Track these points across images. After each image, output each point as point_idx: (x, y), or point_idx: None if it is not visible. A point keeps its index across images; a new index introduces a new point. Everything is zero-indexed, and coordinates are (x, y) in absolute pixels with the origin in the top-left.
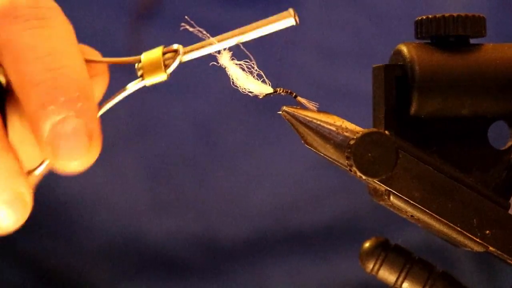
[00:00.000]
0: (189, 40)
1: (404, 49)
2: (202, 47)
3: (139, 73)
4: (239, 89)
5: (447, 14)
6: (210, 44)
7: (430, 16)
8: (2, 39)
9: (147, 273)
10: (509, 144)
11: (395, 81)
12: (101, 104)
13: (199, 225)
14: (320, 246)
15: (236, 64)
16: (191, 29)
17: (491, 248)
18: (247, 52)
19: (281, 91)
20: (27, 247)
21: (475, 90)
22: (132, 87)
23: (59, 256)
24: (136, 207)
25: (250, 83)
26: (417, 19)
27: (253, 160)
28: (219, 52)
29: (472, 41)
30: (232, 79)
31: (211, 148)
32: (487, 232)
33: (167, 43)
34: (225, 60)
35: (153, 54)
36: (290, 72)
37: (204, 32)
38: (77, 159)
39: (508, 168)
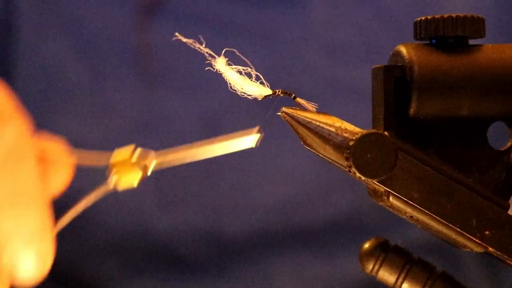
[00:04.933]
0: (193, 36)
1: (403, 50)
2: (174, 156)
3: (112, 173)
4: (238, 92)
5: (446, 15)
6: (182, 154)
7: (429, 17)
8: None
9: (153, 268)
10: (508, 144)
11: (394, 82)
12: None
13: (205, 220)
14: (325, 242)
15: (233, 68)
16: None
17: (490, 248)
18: (246, 58)
19: (279, 93)
20: None
21: (474, 91)
22: (107, 187)
23: (65, 251)
24: (142, 202)
25: (248, 86)
26: (416, 20)
27: (258, 157)
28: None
29: (471, 41)
30: (230, 83)
31: None
32: (487, 232)
33: (172, 38)
34: (221, 65)
35: (123, 155)
36: (297, 69)
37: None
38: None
39: (508, 168)
